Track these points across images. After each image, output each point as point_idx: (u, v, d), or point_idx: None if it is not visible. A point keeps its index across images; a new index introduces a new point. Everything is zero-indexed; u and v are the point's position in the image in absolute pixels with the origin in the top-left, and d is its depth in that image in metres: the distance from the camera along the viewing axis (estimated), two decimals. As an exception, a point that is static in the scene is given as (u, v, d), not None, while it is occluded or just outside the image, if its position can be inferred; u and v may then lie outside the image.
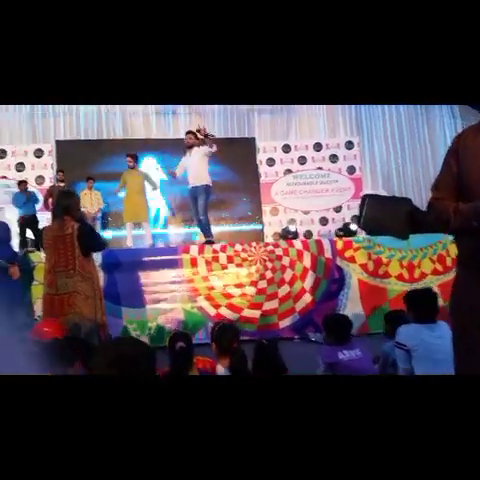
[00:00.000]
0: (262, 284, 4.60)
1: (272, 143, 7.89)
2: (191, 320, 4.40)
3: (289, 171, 7.73)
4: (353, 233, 6.00)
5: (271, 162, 7.73)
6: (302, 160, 7.77)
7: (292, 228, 6.75)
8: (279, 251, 4.70)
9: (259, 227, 7.61)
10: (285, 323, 4.53)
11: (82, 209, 6.57)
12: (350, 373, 2.16)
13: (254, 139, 7.94)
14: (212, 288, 4.53)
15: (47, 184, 7.00)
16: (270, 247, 4.75)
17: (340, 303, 4.60)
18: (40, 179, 7.16)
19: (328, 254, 4.71)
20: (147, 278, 4.43)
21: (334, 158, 7.79)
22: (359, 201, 6.06)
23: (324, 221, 7.68)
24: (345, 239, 4.99)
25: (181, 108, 8.02)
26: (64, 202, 3.02)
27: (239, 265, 4.62)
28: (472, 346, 1.27)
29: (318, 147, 7.82)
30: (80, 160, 7.12)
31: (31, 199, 6.29)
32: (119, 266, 4.38)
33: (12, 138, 7.54)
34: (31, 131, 7.62)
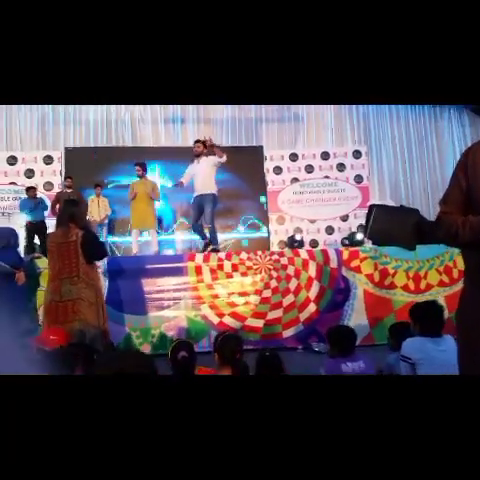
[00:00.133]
0: (266, 293, 4.58)
1: (279, 152, 7.92)
2: (194, 328, 4.39)
3: (296, 180, 7.73)
4: (359, 243, 5.96)
5: (278, 170, 7.75)
6: (309, 169, 7.77)
7: (298, 237, 6.73)
8: (284, 260, 4.68)
9: (265, 235, 7.61)
10: (289, 333, 4.49)
11: (89, 215, 6.67)
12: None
13: (262, 147, 7.97)
14: (216, 296, 4.52)
15: (55, 190, 7.08)
16: (275, 256, 4.73)
17: (345, 313, 4.56)
18: (49, 185, 7.25)
19: (334, 264, 4.68)
20: (151, 285, 4.44)
21: (341, 167, 7.78)
22: (366, 210, 6.03)
23: (330, 230, 7.64)
24: (351, 249, 4.96)
25: (190, 117, 8.10)
26: (69, 210, 3.06)
27: (244, 274, 4.61)
28: (477, 360, 1.26)
29: (325, 156, 7.82)
30: (88, 167, 7.21)
31: (39, 205, 6.36)
32: (124, 273, 4.40)
33: (23, 145, 7.67)
34: (41, 138, 7.74)
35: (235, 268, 4.62)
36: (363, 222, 5.85)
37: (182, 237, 7.32)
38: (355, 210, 7.64)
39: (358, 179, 7.77)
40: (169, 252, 6.44)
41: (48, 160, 7.29)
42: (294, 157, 7.80)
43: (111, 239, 7.15)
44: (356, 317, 4.51)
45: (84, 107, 7.66)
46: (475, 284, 1.31)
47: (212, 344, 2.88)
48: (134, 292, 4.38)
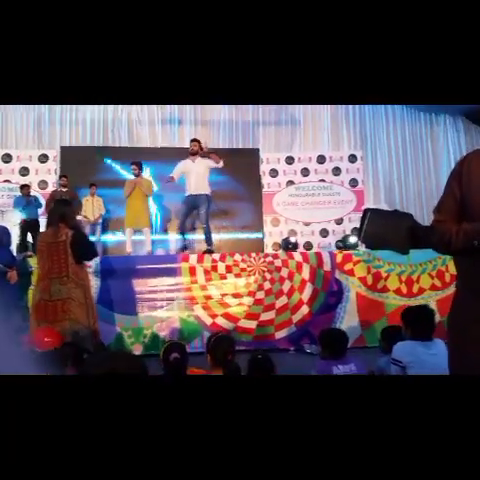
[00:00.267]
0: (260, 295, 4.58)
1: (276, 154, 7.94)
2: (187, 329, 4.38)
3: (291, 182, 7.76)
4: (352, 246, 5.98)
5: (274, 173, 7.77)
6: (305, 172, 7.81)
7: (292, 239, 6.75)
8: (278, 262, 4.70)
9: (259, 236, 7.63)
10: (281, 334, 4.50)
11: (83, 214, 6.65)
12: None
13: (258, 150, 7.99)
14: (209, 297, 4.51)
15: (50, 189, 7.05)
16: (269, 258, 4.74)
17: (337, 316, 4.58)
18: (43, 184, 7.22)
19: (327, 267, 4.70)
20: (145, 285, 4.43)
21: (337, 171, 7.83)
22: (361, 214, 6.05)
23: (325, 233, 7.68)
24: (345, 252, 4.98)
25: (186, 118, 8.10)
26: (59, 209, 3.05)
27: (238, 275, 4.61)
28: (467, 364, 1.27)
29: (321, 160, 7.86)
30: (84, 166, 7.18)
31: (32, 203, 6.32)
32: (117, 273, 4.39)
33: (18, 143, 7.63)
34: (37, 137, 7.71)
35: (229, 269, 4.62)
36: (357, 225, 5.89)
37: (176, 237, 7.31)
38: (350, 214, 7.68)
39: (353, 183, 7.81)
40: (161, 252, 6.42)
41: (43, 159, 7.26)
42: (290, 160, 7.83)
43: (105, 238, 7.13)
44: (348, 319, 4.53)
45: (81, 107, 7.64)
46: (467, 289, 1.32)
47: (205, 345, 2.88)
48: (127, 292, 4.37)
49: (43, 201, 6.59)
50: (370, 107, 8.46)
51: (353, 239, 6.28)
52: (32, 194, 6.65)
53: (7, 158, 7.20)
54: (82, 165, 7.17)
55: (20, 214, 6.34)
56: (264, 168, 7.77)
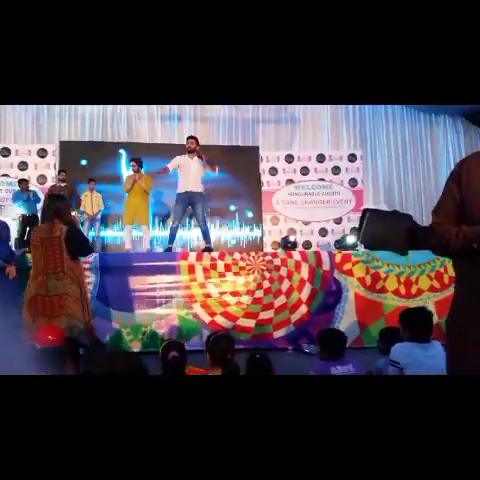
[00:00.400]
0: (259, 294, 4.59)
1: (275, 153, 7.94)
2: (186, 327, 4.39)
3: (291, 181, 7.76)
4: (349, 246, 5.99)
5: (274, 171, 7.77)
6: (304, 171, 7.81)
7: (291, 238, 6.76)
8: (277, 261, 4.70)
9: (259, 235, 7.64)
10: (280, 333, 4.51)
11: (82, 210, 6.64)
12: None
13: (258, 148, 7.98)
14: (208, 295, 4.52)
15: (49, 184, 7.03)
16: (268, 257, 4.74)
17: (336, 316, 4.59)
18: (42, 178, 7.19)
19: (326, 266, 4.71)
20: (144, 283, 4.42)
21: (336, 170, 7.83)
22: (359, 214, 6.05)
23: (324, 232, 7.69)
24: (344, 252, 4.99)
25: (186, 115, 8.08)
26: (54, 205, 3.03)
27: (237, 273, 4.62)
28: (466, 366, 1.27)
29: (321, 158, 7.86)
30: (83, 161, 7.17)
31: (30, 198, 6.30)
32: (116, 270, 4.38)
33: (17, 137, 7.59)
34: (36, 132, 7.67)
35: (228, 268, 4.62)
36: (356, 225, 5.90)
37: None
38: (349, 213, 7.69)
39: (353, 182, 7.82)
40: (160, 249, 6.42)
41: (42, 153, 7.23)
42: (290, 159, 7.82)
43: (104, 234, 7.12)
44: (347, 320, 4.54)
45: (80, 101, 7.59)
46: (467, 291, 1.33)
47: (203, 343, 2.89)
48: (126, 289, 4.36)
49: (42, 196, 6.57)
50: (370, 107, 8.46)
51: (350, 239, 6.29)
52: (31, 189, 6.63)
53: (5, 152, 7.16)
54: (80, 160, 7.16)
55: (19, 209, 6.32)
56: (264, 166, 7.77)
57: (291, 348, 4.45)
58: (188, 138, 5.43)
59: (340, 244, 6.52)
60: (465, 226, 1.29)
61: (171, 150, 6.20)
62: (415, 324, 2.31)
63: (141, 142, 7.73)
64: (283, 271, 4.67)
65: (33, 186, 6.90)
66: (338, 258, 4.75)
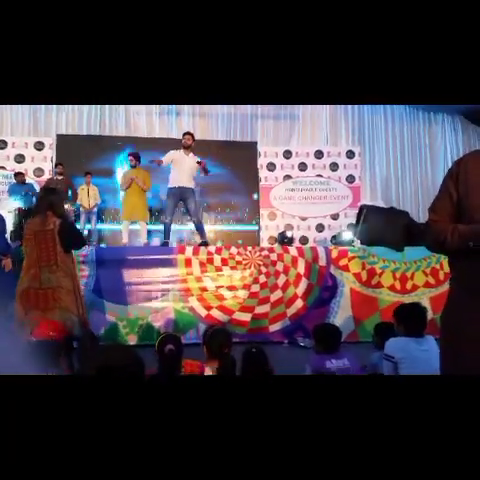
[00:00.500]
0: (255, 288, 4.60)
1: (274, 148, 7.93)
2: (182, 320, 4.40)
3: (289, 177, 7.77)
4: (345, 242, 6.01)
5: (272, 167, 7.77)
6: (302, 166, 7.81)
7: (288, 233, 6.77)
8: (274, 256, 4.71)
9: (255, 228, 7.65)
10: (275, 327, 4.53)
11: (79, 203, 6.62)
12: (336, 382, 2.18)
13: (256, 143, 7.97)
14: (205, 289, 4.53)
15: (46, 177, 7.00)
16: (265, 252, 4.76)
17: (331, 310, 4.61)
18: (39, 171, 7.16)
19: (322, 262, 4.72)
20: (140, 276, 4.43)
21: (334, 166, 7.84)
22: (356, 210, 6.03)
23: (321, 228, 7.71)
24: (340, 248, 5.01)
25: (184, 109, 8.04)
26: (47, 198, 3.02)
27: (233, 268, 4.63)
28: (459, 361, 1.29)
29: (319, 155, 7.86)
30: (80, 155, 7.13)
31: (29, 194, 6.27)
32: (113, 263, 4.38)
33: (13, 130, 7.54)
34: (33, 124, 7.62)
35: (225, 262, 4.63)
36: (353, 221, 5.92)
37: (171, 228, 7.29)
38: (346, 209, 7.71)
39: (350, 179, 7.83)
40: (157, 243, 6.41)
41: (39, 146, 7.20)
42: (288, 154, 7.82)
43: (100, 227, 7.11)
44: (342, 314, 4.57)
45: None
46: (462, 287, 1.34)
47: (200, 336, 2.90)
48: (122, 282, 4.36)
49: (38, 189, 6.54)
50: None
51: (347, 235, 6.31)
52: (27, 182, 6.61)
53: (2, 144, 7.12)
54: (77, 153, 7.12)
55: (15, 202, 6.29)
56: (262, 161, 7.76)
57: (287, 342, 4.47)
58: (185, 134, 5.42)
59: (337, 240, 6.53)
60: (460, 225, 1.30)
61: (169, 144, 6.17)
62: (409, 319, 2.33)
63: (139, 136, 7.71)
64: (279, 266, 4.68)
65: (30, 179, 6.87)
66: (334, 254, 4.76)
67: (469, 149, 8.45)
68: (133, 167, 5.79)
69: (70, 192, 6.55)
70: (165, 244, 5.28)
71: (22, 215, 6.17)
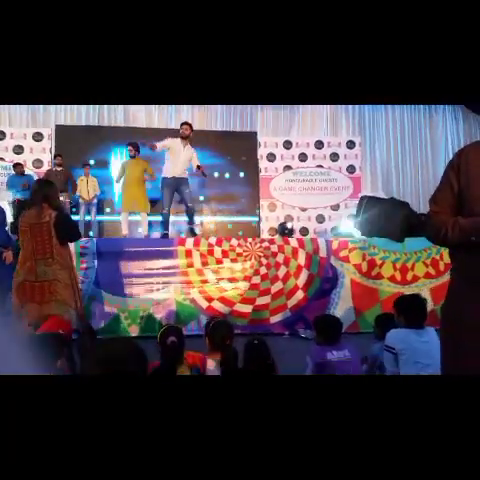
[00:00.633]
0: (256, 279, 4.62)
1: (274, 139, 7.88)
2: (183, 312, 4.42)
3: (289, 167, 7.73)
4: (346, 233, 6.01)
5: (272, 157, 7.73)
6: (303, 157, 7.77)
7: (289, 224, 6.78)
8: (274, 248, 4.72)
9: (256, 219, 7.64)
10: (276, 319, 4.56)
11: (78, 194, 6.59)
12: (338, 373, 2.20)
13: (256, 134, 7.92)
14: (206, 281, 4.54)
15: (45, 168, 6.96)
16: (266, 243, 4.76)
17: (332, 301, 4.63)
18: (38, 162, 7.12)
19: (323, 253, 4.73)
20: (141, 268, 4.44)
21: (335, 157, 7.80)
22: (357, 201, 6.02)
23: (321, 219, 7.70)
24: (341, 239, 5.01)
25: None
26: (43, 190, 2.99)
27: (234, 260, 4.63)
28: (459, 352, 1.30)
29: (319, 145, 7.81)
30: (79, 145, 7.09)
31: (28, 187, 6.24)
32: (113, 254, 4.38)
33: (12, 121, 7.47)
34: (31, 115, 7.55)
35: (225, 254, 4.64)
36: (354, 212, 5.91)
37: (172, 219, 7.29)
38: (346, 200, 7.69)
39: (351, 169, 7.80)
40: (157, 235, 6.42)
41: (38, 137, 7.14)
42: (288, 145, 7.77)
43: (100, 218, 7.09)
44: (342, 305, 4.59)
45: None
46: (463, 278, 1.34)
47: (201, 328, 2.91)
48: (123, 274, 4.37)
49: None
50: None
51: (347, 226, 6.31)
52: (26, 173, 6.57)
53: (1, 135, 7.07)
54: (77, 144, 7.08)
55: (13, 193, 6.26)
56: (262, 152, 7.72)
57: (287, 333, 4.50)
58: (182, 124, 5.39)
59: (337, 231, 6.54)
60: (461, 218, 1.30)
61: (168, 135, 6.13)
62: (410, 311, 2.34)
63: (138, 127, 7.65)
64: (280, 257, 4.69)
65: (28, 170, 6.83)
66: (335, 245, 4.77)
67: (470, 138, 8.41)
68: (132, 157, 5.73)
69: (70, 183, 6.52)
70: (165, 236, 5.28)
71: (20, 207, 6.16)
